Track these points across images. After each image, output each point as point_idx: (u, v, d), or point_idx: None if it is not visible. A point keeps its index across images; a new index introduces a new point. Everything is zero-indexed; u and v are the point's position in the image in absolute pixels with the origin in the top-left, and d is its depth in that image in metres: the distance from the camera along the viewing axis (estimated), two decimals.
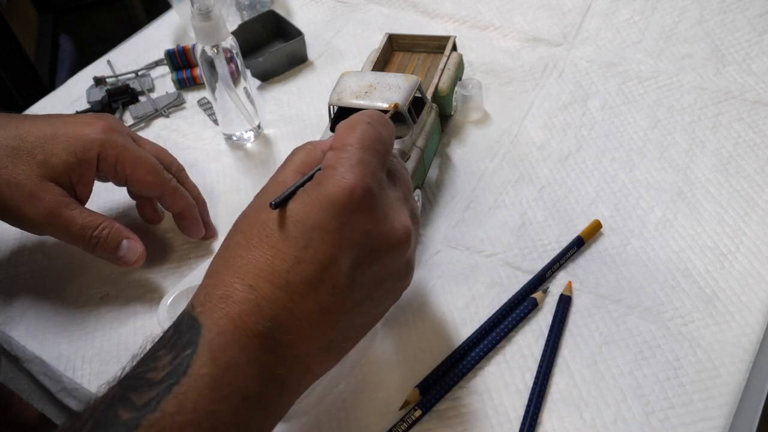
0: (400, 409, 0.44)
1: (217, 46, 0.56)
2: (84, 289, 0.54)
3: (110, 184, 0.54)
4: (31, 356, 0.51)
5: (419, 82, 0.52)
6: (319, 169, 0.36)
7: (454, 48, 0.64)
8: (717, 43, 0.67)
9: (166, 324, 0.42)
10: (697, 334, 0.46)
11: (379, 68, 0.64)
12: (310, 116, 0.67)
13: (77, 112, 0.70)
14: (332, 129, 0.53)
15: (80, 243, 0.49)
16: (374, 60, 0.63)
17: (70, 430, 0.32)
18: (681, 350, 0.45)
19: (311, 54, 0.74)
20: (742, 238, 0.51)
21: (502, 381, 0.45)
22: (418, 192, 0.54)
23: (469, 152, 0.61)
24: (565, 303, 0.48)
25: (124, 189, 0.55)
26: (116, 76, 0.73)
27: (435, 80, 0.60)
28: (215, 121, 0.68)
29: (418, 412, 0.43)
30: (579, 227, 0.53)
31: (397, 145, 0.51)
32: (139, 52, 0.77)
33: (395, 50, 0.67)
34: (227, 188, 0.61)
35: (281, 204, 0.35)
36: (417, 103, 0.54)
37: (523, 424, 0.43)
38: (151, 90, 0.72)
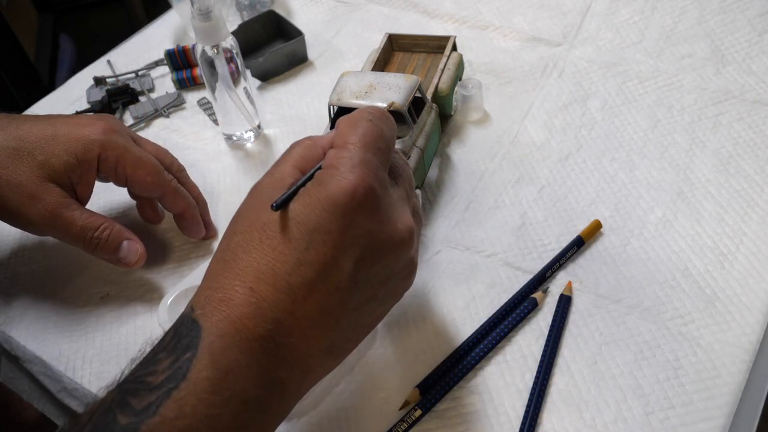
0: (400, 409, 0.44)
1: (217, 46, 0.56)
2: (84, 289, 0.54)
3: (111, 185, 0.54)
4: (31, 356, 0.51)
5: (419, 82, 0.52)
6: (320, 168, 0.36)
7: (454, 48, 0.64)
8: (717, 43, 0.67)
9: (166, 324, 0.43)
10: (697, 334, 0.46)
11: (379, 68, 0.64)
12: (310, 116, 0.67)
13: (77, 113, 0.70)
14: (332, 129, 0.53)
15: (81, 244, 0.49)
16: (374, 60, 0.63)
17: None
18: (681, 350, 0.45)
19: (311, 54, 0.74)
20: (742, 238, 0.51)
21: (502, 381, 0.45)
22: (418, 192, 0.54)
23: (469, 152, 0.61)
24: (565, 303, 0.48)
25: (125, 189, 0.55)
26: (116, 76, 0.73)
27: (435, 80, 0.60)
28: (215, 121, 0.68)
29: (418, 412, 0.43)
30: (579, 227, 0.53)
31: (397, 145, 0.51)
32: (139, 52, 0.77)
33: (395, 50, 0.67)
34: (227, 188, 0.61)
35: (282, 205, 0.34)
36: (417, 103, 0.54)
37: (523, 424, 0.43)
38: (151, 90, 0.72)
